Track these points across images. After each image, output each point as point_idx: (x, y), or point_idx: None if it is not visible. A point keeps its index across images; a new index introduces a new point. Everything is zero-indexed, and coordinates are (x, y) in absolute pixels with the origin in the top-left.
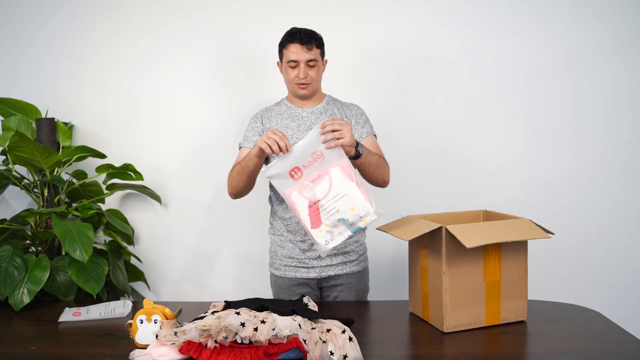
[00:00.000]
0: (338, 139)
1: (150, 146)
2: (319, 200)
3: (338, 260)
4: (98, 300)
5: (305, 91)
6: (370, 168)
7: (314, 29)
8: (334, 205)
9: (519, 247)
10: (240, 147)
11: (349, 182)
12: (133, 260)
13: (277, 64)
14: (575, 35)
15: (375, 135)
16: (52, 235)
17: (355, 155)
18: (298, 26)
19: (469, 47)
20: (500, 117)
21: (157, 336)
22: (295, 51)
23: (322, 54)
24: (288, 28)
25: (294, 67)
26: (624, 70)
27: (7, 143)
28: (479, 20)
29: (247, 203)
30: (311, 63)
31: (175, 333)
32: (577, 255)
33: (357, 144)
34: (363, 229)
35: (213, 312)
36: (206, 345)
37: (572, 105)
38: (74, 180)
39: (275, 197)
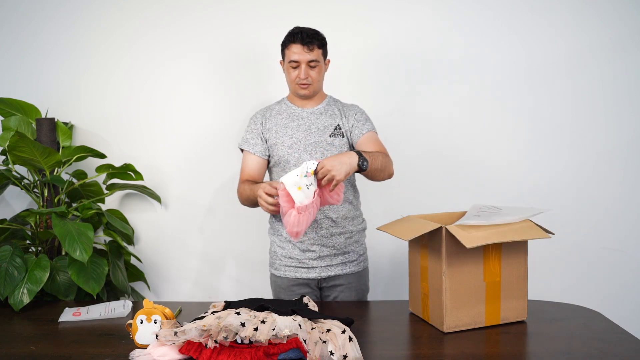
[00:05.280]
0: (334, 178)
1: (150, 146)
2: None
3: (338, 261)
4: (98, 300)
5: (306, 91)
6: (376, 173)
7: (316, 28)
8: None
9: (519, 247)
10: (242, 150)
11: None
12: (133, 260)
13: (280, 62)
14: (576, 34)
15: (376, 132)
16: (52, 235)
17: (360, 170)
18: (300, 25)
19: (469, 46)
20: (500, 117)
21: (157, 336)
22: (297, 51)
23: (325, 54)
24: (290, 26)
25: (295, 68)
26: (625, 69)
27: (7, 143)
28: (480, 19)
29: None
30: (312, 64)
31: (175, 333)
32: (577, 255)
33: (359, 157)
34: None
35: (213, 312)
36: (206, 345)
37: (573, 104)
38: (74, 180)
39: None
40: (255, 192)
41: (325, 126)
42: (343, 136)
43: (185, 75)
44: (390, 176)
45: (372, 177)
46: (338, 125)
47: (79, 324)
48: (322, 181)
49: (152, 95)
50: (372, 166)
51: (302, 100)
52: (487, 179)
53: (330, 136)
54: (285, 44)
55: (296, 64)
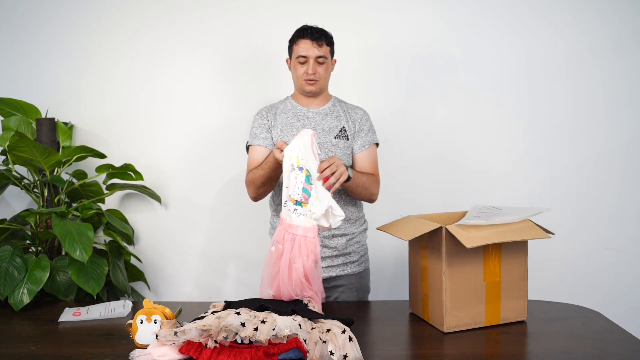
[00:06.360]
0: (338, 179)
1: (150, 146)
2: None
3: (339, 261)
4: (98, 300)
5: (313, 87)
6: (357, 189)
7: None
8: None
9: (519, 247)
10: (248, 147)
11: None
12: (133, 260)
13: (286, 61)
14: (576, 34)
15: (377, 143)
16: (52, 235)
17: (345, 180)
18: (303, 24)
19: (468, 46)
20: (500, 117)
21: (157, 336)
22: (305, 47)
23: (332, 53)
24: (291, 27)
25: (303, 63)
26: (625, 69)
27: (7, 143)
28: (480, 19)
29: (247, 203)
30: (320, 60)
31: (175, 333)
32: (577, 255)
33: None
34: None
35: (213, 312)
36: (206, 345)
37: (573, 105)
38: (74, 180)
39: (277, 199)
40: (268, 159)
41: (331, 127)
42: (347, 139)
43: (185, 75)
44: (371, 200)
45: (353, 192)
46: (343, 127)
47: (79, 324)
48: (328, 179)
49: (152, 95)
50: (355, 182)
51: (308, 100)
52: (488, 179)
53: (335, 138)
54: (293, 40)
55: (304, 59)
